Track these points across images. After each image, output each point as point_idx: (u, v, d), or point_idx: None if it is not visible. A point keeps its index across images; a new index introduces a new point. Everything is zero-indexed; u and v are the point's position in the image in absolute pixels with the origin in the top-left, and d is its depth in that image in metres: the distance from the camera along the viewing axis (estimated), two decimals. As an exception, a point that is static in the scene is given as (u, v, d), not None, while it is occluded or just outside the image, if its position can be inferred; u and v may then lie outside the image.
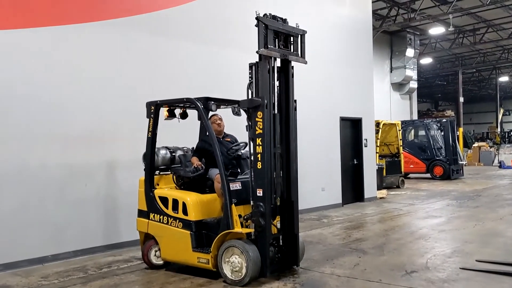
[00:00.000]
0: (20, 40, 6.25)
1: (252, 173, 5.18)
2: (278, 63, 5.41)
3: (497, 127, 39.19)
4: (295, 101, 5.55)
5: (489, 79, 38.25)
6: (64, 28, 6.67)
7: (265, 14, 5.17)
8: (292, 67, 5.50)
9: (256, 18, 5.12)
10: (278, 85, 5.43)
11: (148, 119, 5.99)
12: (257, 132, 5.14)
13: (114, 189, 7.21)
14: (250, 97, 5.23)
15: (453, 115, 34.02)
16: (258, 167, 5.12)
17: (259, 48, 5.12)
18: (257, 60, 5.19)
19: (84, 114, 6.88)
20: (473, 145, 29.28)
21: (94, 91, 7.00)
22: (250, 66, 5.26)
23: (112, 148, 7.20)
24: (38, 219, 6.36)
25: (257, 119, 5.14)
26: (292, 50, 5.51)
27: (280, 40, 5.39)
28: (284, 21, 5.42)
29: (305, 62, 5.60)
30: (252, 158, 5.19)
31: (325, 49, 11.05)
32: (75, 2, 6.80)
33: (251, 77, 5.25)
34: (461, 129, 31.11)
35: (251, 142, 5.22)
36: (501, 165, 24.22)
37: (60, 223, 6.58)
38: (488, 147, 28.67)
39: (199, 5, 8.32)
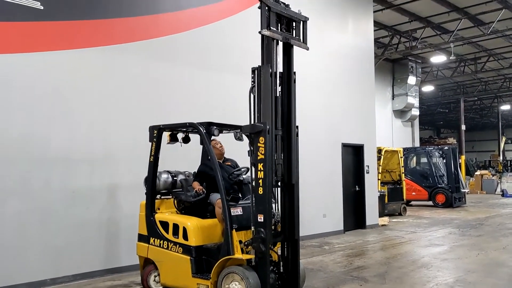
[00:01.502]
0: (22, 65, 6.33)
1: (253, 199, 5.16)
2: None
3: (499, 155, 39.14)
4: (297, 127, 5.57)
5: (491, 107, 38.42)
6: (68, 53, 6.76)
7: None
8: (295, 72, 5.47)
9: (260, 0, 5.13)
10: (280, 90, 5.39)
11: (150, 143, 6.02)
12: (258, 158, 5.13)
13: (115, 212, 7.20)
14: (252, 102, 5.23)
15: (455, 142, 34.06)
16: (259, 192, 5.10)
17: (261, 29, 5.13)
18: (259, 65, 5.22)
19: (86, 137, 6.92)
20: (476, 173, 29.16)
21: (96, 115, 7.05)
22: (253, 70, 5.27)
23: (114, 171, 7.22)
24: (39, 242, 6.34)
25: (259, 144, 5.14)
26: (294, 36, 5.51)
27: (282, 24, 5.39)
28: (287, 6, 5.45)
29: (307, 48, 5.60)
30: (253, 183, 5.18)
31: (327, 75, 11.16)
32: (80, 28, 6.91)
33: (253, 81, 5.26)
34: (463, 157, 31.10)
35: (252, 167, 5.22)
36: (503, 194, 24.08)
37: (60, 246, 6.54)
38: (491, 175, 28.56)
39: (200, 32, 8.43)
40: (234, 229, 5.15)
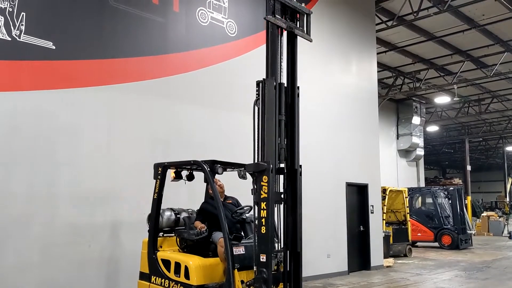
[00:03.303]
0: (32, 102, 6.47)
1: (256, 238, 5.14)
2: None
3: (506, 196, 38.76)
4: (300, 166, 5.60)
5: (496, 148, 38.36)
6: (76, 91, 6.92)
7: None
8: (298, 87, 5.51)
9: None
10: (284, 106, 5.39)
11: (154, 180, 6.06)
12: (262, 196, 5.13)
13: (117, 250, 7.17)
14: (256, 114, 5.25)
15: (461, 183, 33.83)
16: (262, 231, 5.07)
17: (266, 15, 5.20)
18: (264, 78, 5.28)
19: (89, 174, 6.98)
20: (482, 214, 28.83)
21: (101, 152, 7.14)
22: (257, 83, 5.31)
23: (116, 208, 7.24)
24: (40, 279, 6.31)
25: (262, 183, 5.15)
26: (298, 26, 5.58)
27: (287, 14, 5.47)
28: None
29: (310, 40, 5.67)
30: (256, 222, 5.17)
31: (332, 115, 11.28)
32: (89, 67, 7.08)
33: (257, 94, 5.30)
34: (469, 198, 30.83)
35: (255, 206, 5.23)
36: (510, 236, 23.72)
37: (61, 284, 6.49)
38: (497, 217, 28.21)
39: (206, 71, 8.61)
40: (236, 269, 5.11)
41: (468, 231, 19.03)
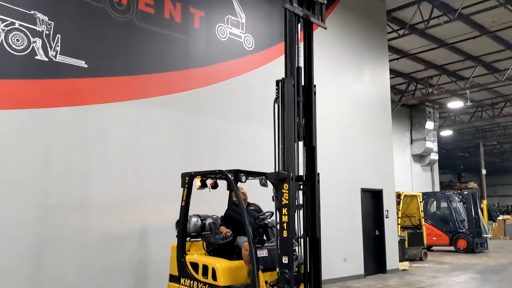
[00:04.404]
0: (67, 117, 6.97)
1: (278, 241, 5.52)
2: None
3: (522, 200, 38.48)
4: (318, 174, 5.98)
5: (511, 151, 38.18)
6: (107, 106, 7.41)
7: None
8: (315, 86, 5.89)
9: None
10: (302, 105, 5.75)
11: (182, 189, 6.49)
12: (283, 203, 5.51)
13: (144, 256, 7.59)
14: (276, 110, 5.59)
15: (476, 187, 33.76)
16: (284, 235, 5.44)
17: (284, 4, 5.61)
18: (283, 77, 5.65)
19: (119, 184, 7.44)
20: (498, 218, 28.78)
21: (130, 163, 7.60)
22: (277, 82, 5.66)
23: (143, 216, 7.67)
24: (74, 284, 6.75)
25: (283, 190, 5.52)
26: (314, 15, 5.98)
27: (303, 3, 5.86)
28: None
29: (325, 27, 6.11)
30: (278, 227, 5.55)
31: (346, 123, 11.64)
32: (118, 83, 7.57)
33: (277, 93, 5.65)
34: (484, 202, 30.76)
35: (277, 212, 5.61)
36: (527, 239, 23.73)
37: (93, 290, 6.95)
38: (514, 220, 28.13)
39: (226, 84, 9.07)
40: (260, 270, 5.49)
41: (484, 235, 19.16)
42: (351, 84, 12.15)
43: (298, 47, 5.77)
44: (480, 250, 18.47)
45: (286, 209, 5.47)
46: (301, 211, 5.70)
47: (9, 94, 6.41)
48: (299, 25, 5.85)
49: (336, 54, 11.69)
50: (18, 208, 6.40)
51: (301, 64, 5.84)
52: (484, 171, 31.56)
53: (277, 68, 5.73)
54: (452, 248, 18.81)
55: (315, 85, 5.93)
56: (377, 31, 13.19)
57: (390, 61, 17.05)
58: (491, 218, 31.25)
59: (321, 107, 10.16)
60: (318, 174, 5.96)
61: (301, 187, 5.74)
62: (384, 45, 13.53)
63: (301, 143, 5.81)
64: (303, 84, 5.87)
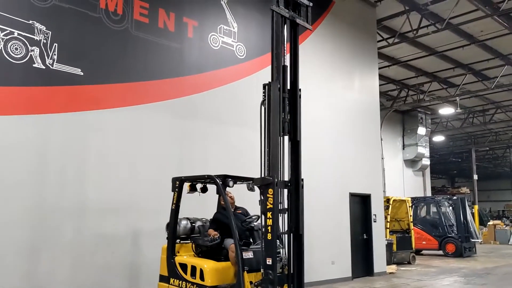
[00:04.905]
0: (62, 123, 7.25)
1: (263, 243, 5.80)
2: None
3: (513, 205, 38.94)
4: (302, 179, 6.27)
5: (503, 157, 38.62)
6: (99, 112, 7.68)
7: None
8: (300, 95, 6.16)
9: None
10: (288, 110, 6.01)
11: (172, 193, 6.78)
12: (268, 207, 5.79)
13: (137, 256, 7.87)
14: (263, 113, 5.89)
15: (469, 192, 34.16)
16: (268, 238, 5.72)
17: (272, 6, 5.90)
18: (269, 81, 5.94)
19: (115, 188, 7.72)
20: (489, 223, 29.17)
21: (123, 167, 7.88)
22: (264, 86, 5.96)
23: (137, 218, 7.95)
24: (70, 283, 7.03)
25: (268, 195, 5.80)
26: (300, 16, 6.28)
27: (289, 5, 6.15)
28: None
29: (311, 28, 6.45)
30: (263, 230, 5.84)
31: (336, 129, 11.96)
32: (113, 90, 7.86)
33: (264, 95, 5.96)
34: (476, 207, 31.15)
35: (262, 216, 5.90)
36: (516, 244, 24.11)
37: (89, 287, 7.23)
38: (503, 226, 28.53)
39: (217, 91, 9.37)
40: (245, 271, 5.78)
41: (473, 239, 19.48)
42: (342, 91, 12.47)
43: (284, 47, 6.03)
44: (469, 254, 18.81)
45: (270, 213, 5.76)
46: (286, 201, 5.96)
47: (8, 100, 6.69)
48: (285, 26, 6.12)
49: (327, 62, 12.02)
50: (17, 210, 6.68)
51: (287, 63, 6.12)
52: (476, 177, 31.92)
53: (267, 75, 5.98)
54: (441, 252, 19.15)
55: (300, 89, 6.17)
56: (368, 40, 13.54)
57: (382, 68, 17.49)
58: (482, 223, 31.62)
59: (312, 114, 10.63)
60: (302, 180, 6.23)
61: (287, 188, 6.02)
62: (374, 53, 13.87)
63: (286, 138, 6.05)
64: (289, 81, 6.12)
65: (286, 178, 6.03)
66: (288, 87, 6.13)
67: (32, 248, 6.79)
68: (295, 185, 6.16)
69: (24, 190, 6.77)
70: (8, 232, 6.56)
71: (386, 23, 14.78)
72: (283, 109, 5.94)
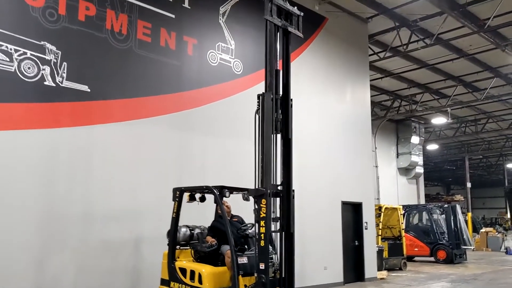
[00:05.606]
0: (70, 137, 7.77)
1: (257, 250, 6.30)
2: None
3: (507, 213, 39.44)
4: (293, 190, 6.77)
5: (497, 165, 39.15)
6: (104, 126, 8.19)
7: None
8: (291, 99, 6.67)
9: None
10: (280, 102, 6.55)
11: (173, 202, 7.29)
12: (261, 216, 6.28)
13: (139, 261, 8.36)
14: (256, 122, 6.42)
15: (463, 199, 34.65)
16: (262, 244, 6.22)
17: (265, 15, 6.39)
18: (263, 91, 6.46)
19: (118, 197, 8.22)
20: (481, 230, 29.69)
21: (127, 177, 8.39)
22: (258, 96, 6.48)
23: (139, 226, 8.44)
24: (75, 286, 7.52)
25: (261, 205, 6.28)
26: (291, 25, 6.79)
27: (282, 15, 6.68)
28: (285, 1, 6.75)
29: (301, 36, 6.96)
30: (257, 237, 6.34)
31: (329, 140, 12.49)
32: (117, 105, 8.37)
33: (258, 105, 6.47)
34: (469, 214, 31.70)
35: (256, 224, 6.39)
36: (507, 251, 24.61)
37: (92, 290, 7.73)
38: (496, 233, 29.04)
39: (215, 106, 9.89)
40: (240, 275, 6.28)
41: (463, 246, 19.94)
42: (334, 104, 13.01)
43: (277, 54, 6.57)
44: (459, 261, 19.29)
45: (263, 221, 6.26)
46: (278, 210, 6.46)
47: (22, 116, 7.21)
48: (278, 34, 6.65)
49: (320, 75, 12.57)
50: (27, 218, 7.18)
51: (279, 68, 6.67)
52: (469, 184, 32.45)
53: (262, 89, 6.53)
54: (432, 259, 19.63)
55: (291, 99, 6.69)
56: (360, 54, 14.11)
57: (375, 79, 18.09)
58: (476, 230, 32.12)
59: (306, 125, 11.14)
60: (293, 190, 6.71)
61: (279, 196, 6.51)
62: (366, 67, 14.43)
63: (279, 136, 6.58)
64: (281, 83, 6.66)
65: (279, 178, 6.52)
66: (281, 92, 6.65)
67: (40, 254, 7.28)
68: (287, 183, 6.61)
69: (34, 199, 7.26)
70: (18, 238, 7.05)
71: (378, 38, 15.35)
72: (275, 110, 6.46)
